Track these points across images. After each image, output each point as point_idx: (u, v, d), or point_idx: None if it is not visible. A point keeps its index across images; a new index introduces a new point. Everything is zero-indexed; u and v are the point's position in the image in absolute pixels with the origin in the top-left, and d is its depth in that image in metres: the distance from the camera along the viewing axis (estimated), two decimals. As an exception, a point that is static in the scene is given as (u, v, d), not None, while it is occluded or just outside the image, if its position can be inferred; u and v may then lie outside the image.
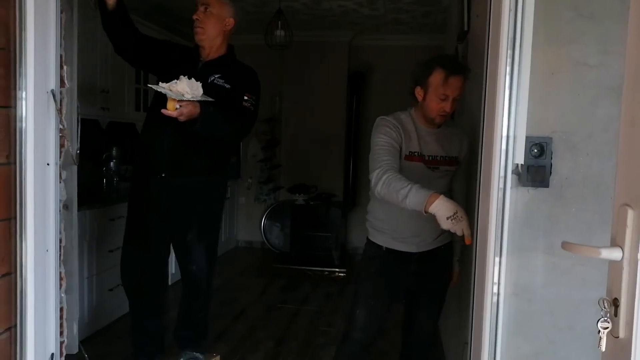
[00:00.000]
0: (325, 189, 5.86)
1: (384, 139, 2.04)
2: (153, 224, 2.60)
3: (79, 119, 2.04)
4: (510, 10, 1.39)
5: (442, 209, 1.75)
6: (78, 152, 2.03)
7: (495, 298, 1.45)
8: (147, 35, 2.65)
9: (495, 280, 1.44)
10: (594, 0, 1.47)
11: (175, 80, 2.19)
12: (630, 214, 0.82)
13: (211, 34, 2.55)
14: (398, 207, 1.94)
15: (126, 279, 2.66)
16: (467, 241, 1.75)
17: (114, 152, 3.98)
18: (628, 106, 0.85)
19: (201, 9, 2.53)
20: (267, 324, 3.84)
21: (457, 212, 1.74)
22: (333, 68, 5.90)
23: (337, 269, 5.23)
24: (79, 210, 3.18)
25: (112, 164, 3.95)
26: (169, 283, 4.17)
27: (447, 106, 2.04)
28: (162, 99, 2.24)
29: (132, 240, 2.65)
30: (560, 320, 1.53)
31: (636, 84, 0.83)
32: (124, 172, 4.02)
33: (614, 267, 0.86)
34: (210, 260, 2.66)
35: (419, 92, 2.10)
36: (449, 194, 2.17)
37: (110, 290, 3.53)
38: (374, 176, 1.96)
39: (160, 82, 2.23)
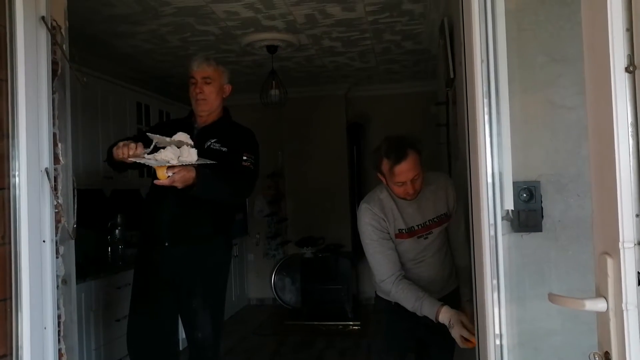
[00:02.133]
0: (333, 239, 5.82)
1: (372, 245, 2.13)
2: (158, 292, 2.58)
3: (75, 194, 2.06)
4: (482, 61, 1.42)
5: (444, 319, 1.99)
6: (75, 226, 2.03)
7: (499, 350, 1.40)
8: (139, 136, 2.68)
9: (497, 332, 1.40)
10: (564, 44, 1.49)
11: (161, 149, 2.21)
12: (610, 262, 0.81)
13: (214, 104, 2.60)
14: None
15: (132, 349, 2.61)
16: (472, 343, 1.85)
17: (118, 220, 4.01)
18: (595, 155, 0.85)
19: (201, 82, 2.56)
20: (281, 385, 3.73)
21: (450, 321, 1.96)
22: (331, 120, 6.00)
23: (350, 322, 5.12)
24: (83, 281, 3.18)
25: (117, 231, 3.98)
26: (180, 348, 4.12)
27: (408, 189, 2.05)
28: None
29: (138, 310, 2.62)
30: (569, 368, 1.46)
31: (599, 133, 0.84)
32: (130, 238, 4.04)
33: (601, 318, 0.83)
34: (216, 326, 2.61)
35: (380, 178, 2.13)
36: (446, 247, 2.20)
37: (119, 360, 3.47)
38: (384, 286, 2.13)
39: (145, 155, 2.24)
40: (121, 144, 2.27)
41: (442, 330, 2.22)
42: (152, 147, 2.23)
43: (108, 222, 4.02)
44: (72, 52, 2.43)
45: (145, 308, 2.58)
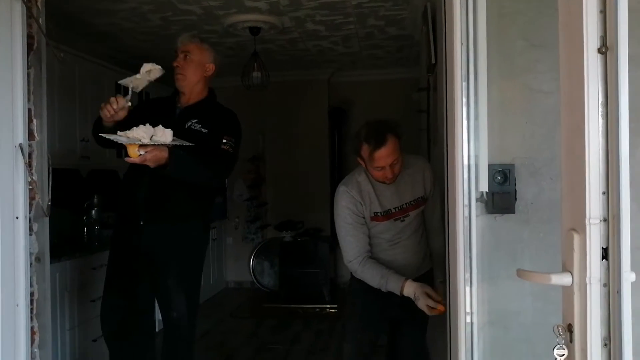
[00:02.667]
0: (312, 224, 5.84)
1: (346, 227, 2.17)
2: (133, 271, 2.56)
3: (50, 171, 2.03)
4: (462, 43, 1.43)
5: (409, 293, 2.06)
6: (49, 204, 2.01)
7: (469, 328, 1.44)
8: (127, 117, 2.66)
9: (468, 310, 1.43)
10: (543, 29, 1.51)
11: (133, 127, 2.19)
12: (576, 238, 0.83)
13: (192, 80, 2.57)
14: (375, 250, 2.18)
15: (106, 328, 2.60)
16: (432, 311, 2.00)
17: (95, 200, 3.95)
18: (566, 134, 0.87)
19: (181, 56, 2.56)
20: (257, 366, 3.76)
21: (415, 294, 2.02)
22: (314, 105, 5.98)
23: (327, 305, 5.16)
24: (59, 260, 3.14)
25: (93, 212, 3.92)
26: (157, 330, 4.12)
27: (387, 173, 2.07)
28: None
29: (112, 289, 2.60)
30: (537, 346, 1.50)
31: (571, 112, 0.86)
32: (106, 219, 3.99)
33: (566, 292, 0.86)
34: (191, 307, 2.61)
35: (360, 162, 2.15)
36: (422, 229, 2.23)
37: (94, 340, 3.45)
38: (351, 267, 2.18)
39: (118, 132, 2.22)
40: (103, 104, 2.23)
41: (415, 309, 2.27)
42: (129, 93, 2.22)
43: (84, 202, 3.96)
44: (49, 27, 2.38)
45: (119, 287, 2.56)
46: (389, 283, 2.09)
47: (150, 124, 2.32)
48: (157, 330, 4.05)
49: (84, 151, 3.93)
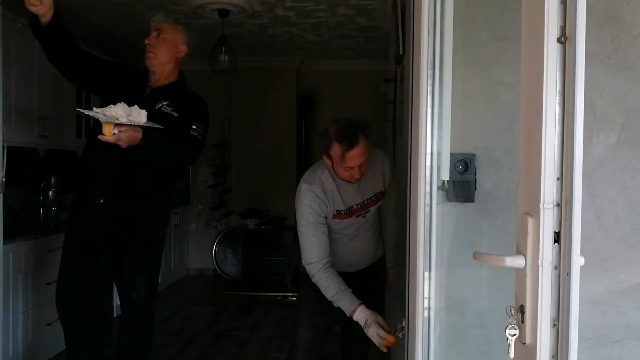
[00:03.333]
0: (277, 212, 5.82)
1: (308, 227, 2.12)
2: (91, 251, 2.51)
3: (5, 146, 1.96)
4: (429, 32, 1.45)
5: (359, 319, 2.01)
6: (3, 180, 1.94)
7: (426, 313, 1.47)
8: (90, 52, 2.59)
9: (426, 294, 1.46)
10: (507, 23, 1.54)
11: (111, 105, 2.15)
12: (531, 222, 0.86)
13: (162, 59, 2.52)
14: (334, 243, 2.18)
15: (62, 309, 2.54)
16: (390, 339, 1.95)
17: (52, 181, 3.83)
18: (524, 120, 0.90)
19: (154, 34, 2.50)
20: (216, 352, 3.74)
21: (367, 321, 1.97)
22: (282, 93, 5.95)
23: (290, 293, 5.17)
24: (12, 241, 3.04)
25: (50, 193, 3.80)
26: (114, 315, 4.04)
27: (355, 173, 2.07)
28: (101, 123, 2.18)
29: (69, 269, 2.54)
30: (491, 332, 1.55)
31: (530, 99, 0.88)
32: (64, 201, 3.87)
33: (519, 274, 0.89)
34: (151, 289, 2.57)
35: (326, 160, 2.12)
36: (377, 220, 2.26)
37: (49, 324, 3.36)
38: (310, 270, 2.12)
39: (94, 108, 2.17)
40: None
41: (369, 293, 2.29)
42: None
43: (41, 182, 3.84)
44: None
45: (76, 267, 2.50)
46: (342, 302, 2.06)
47: (119, 97, 2.27)
48: (114, 315, 4.01)
49: (42, 130, 3.80)
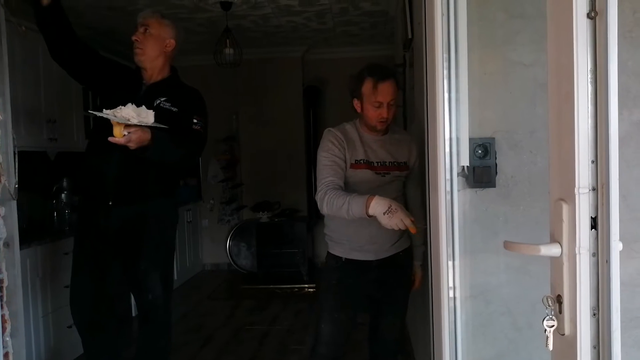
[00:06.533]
0: (288, 204, 5.81)
1: (326, 156, 2.11)
2: (103, 254, 2.50)
3: (16, 152, 1.94)
4: (442, 14, 1.40)
5: (378, 207, 1.83)
6: (16, 186, 1.93)
7: (452, 302, 1.44)
8: (89, 46, 2.57)
9: (451, 284, 1.43)
10: (523, 1, 1.49)
11: (121, 106, 2.12)
12: (565, 208, 0.82)
13: (151, 55, 2.49)
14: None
15: (77, 316, 2.53)
16: (412, 230, 1.82)
17: (64, 184, 3.83)
18: (554, 102, 0.85)
19: (140, 29, 2.47)
20: (236, 348, 3.74)
21: (390, 206, 1.82)
22: (288, 83, 5.89)
23: (306, 285, 5.17)
24: (28, 246, 3.04)
25: (63, 195, 3.80)
26: (133, 314, 4.06)
27: (383, 112, 2.09)
28: (104, 124, 2.16)
29: (82, 275, 2.52)
30: (518, 319, 1.52)
31: (559, 79, 0.84)
32: (76, 203, 3.87)
33: (555, 263, 0.85)
34: (166, 288, 2.56)
35: (356, 104, 2.16)
36: (403, 200, 2.19)
37: (69, 327, 3.36)
38: (317, 199, 2.05)
39: (104, 110, 2.15)
40: None
41: (393, 286, 2.26)
42: None
43: (53, 186, 3.84)
44: (9, 1, 2.26)
45: (89, 272, 2.49)
46: (353, 203, 1.88)
47: (117, 95, 2.23)
48: (132, 314, 4.03)
49: (51, 132, 3.79)
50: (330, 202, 1.97)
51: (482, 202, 1.51)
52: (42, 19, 2.28)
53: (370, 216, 1.85)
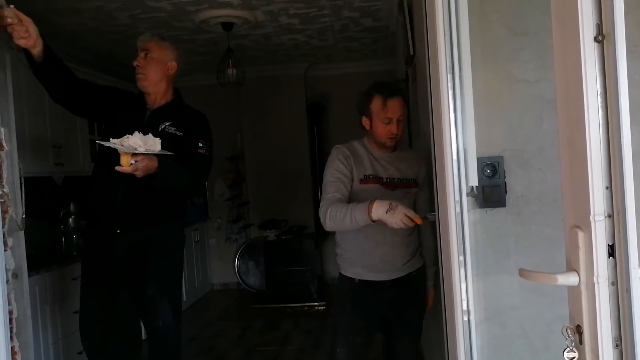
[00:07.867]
0: (296, 221, 5.78)
1: (331, 173, 2.12)
2: (111, 281, 2.48)
3: (22, 182, 1.94)
4: (445, 34, 1.39)
5: (379, 208, 1.86)
6: (24, 216, 1.92)
7: (467, 326, 1.41)
8: (87, 81, 2.57)
9: (465, 308, 1.40)
10: (525, 17, 1.48)
11: (128, 135, 2.12)
12: (581, 236, 0.80)
13: (153, 79, 2.48)
14: (361, 234, 2.05)
15: (87, 343, 2.51)
16: (418, 221, 1.84)
17: (71, 208, 3.84)
18: (564, 128, 0.84)
19: (141, 54, 2.47)
20: (247, 369, 3.71)
21: (391, 204, 1.85)
22: (291, 100, 5.91)
23: (316, 303, 5.13)
24: (37, 273, 3.04)
25: (70, 220, 3.81)
26: (143, 338, 4.03)
27: (393, 128, 2.11)
28: (110, 150, 2.16)
29: (90, 302, 2.51)
30: (535, 341, 1.49)
31: (568, 105, 0.82)
32: (84, 227, 3.87)
33: (573, 292, 0.83)
34: (175, 313, 2.54)
35: (365, 121, 2.17)
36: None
37: (79, 353, 3.34)
38: (320, 214, 2.05)
39: (111, 139, 2.15)
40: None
41: (407, 306, 2.23)
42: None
43: (60, 211, 3.84)
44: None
45: (97, 299, 2.48)
46: (355, 211, 1.90)
47: (122, 123, 2.21)
48: (143, 338, 4.00)
49: (57, 158, 3.80)
50: (333, 214, 1.98)
51: (493, 222, 1.49)
52: (37, 72, 2.25)
53: (374, 221, 1.88)
